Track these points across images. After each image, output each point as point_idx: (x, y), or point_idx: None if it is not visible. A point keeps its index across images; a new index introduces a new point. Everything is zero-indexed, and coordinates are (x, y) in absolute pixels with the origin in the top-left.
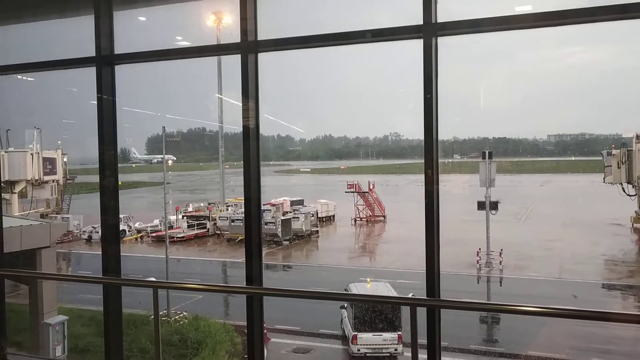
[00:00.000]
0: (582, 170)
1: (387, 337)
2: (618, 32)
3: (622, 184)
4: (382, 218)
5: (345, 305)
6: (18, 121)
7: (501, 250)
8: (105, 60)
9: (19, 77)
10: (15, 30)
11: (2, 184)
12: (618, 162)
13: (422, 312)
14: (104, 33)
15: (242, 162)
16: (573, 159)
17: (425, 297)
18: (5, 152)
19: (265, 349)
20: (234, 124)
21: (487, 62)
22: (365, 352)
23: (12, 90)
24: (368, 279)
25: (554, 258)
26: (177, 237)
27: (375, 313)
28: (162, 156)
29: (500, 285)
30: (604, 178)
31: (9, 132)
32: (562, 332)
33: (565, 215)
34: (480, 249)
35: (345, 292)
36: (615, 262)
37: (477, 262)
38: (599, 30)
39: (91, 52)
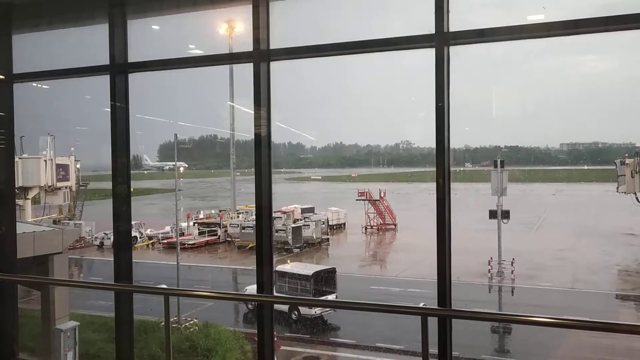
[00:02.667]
0: (595, 180)
1: (331, 298)
2: (632, 40)
3: (635, 194)
4: (393, 226)
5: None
6: (32, 128)
7: (513, 259)
8: (119, 69)
9: (34, 84)
10: (31, 39)
11: (16, 190)
12: (632, 172)
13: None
14: (118, 42)
15: (253, 169)
16: (586, 168)
17: (437, 307)
18: (20, 158)
19: (275, 357)
20: (246, 132)
21: (500, 70)
22: (321, 313)
23: (27, 98)
24: (288, 260)
25: (566, 268)
26: (188, 244)
27: (324, 282)
28: (173, 163)
29: (512, 295)
30: (617, 187)
31: (23, 139)
32: (576, 343)
33: (578, 225)
34: (491, 258)
35: (356, 301)
36: (629, 273)
37: (489, 271)
38: (612, 39)
39: (105, 60)
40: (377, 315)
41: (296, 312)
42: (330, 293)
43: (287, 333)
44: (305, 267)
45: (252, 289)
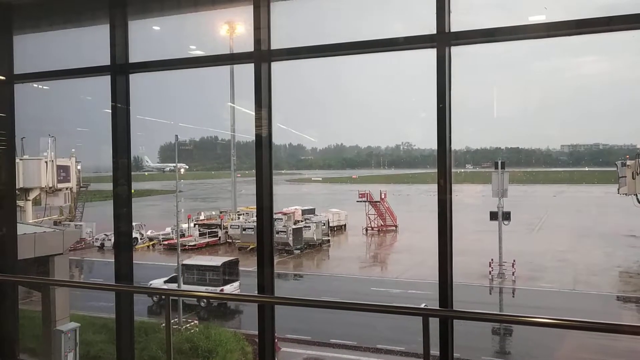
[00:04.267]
0: (596, 181)
1: (235, 285)
2: (633, 41)
3: (636, 195)
4: (394, 228)
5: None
6: (33, 129)
7: (514, 261)
8: (120, 69)
9: (34, 85)
10: (32, 39)
11: (16, 191)
12: (633, 173)
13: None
14: (119, 42)
15: (253, 170)
16: (587, 169)
17: (438, 308)
18: (20, 159)
19: (276, 359)
20: (246, 133)
21: (501, 71)
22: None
23: (28, 99)
24: (192, 255)
25: (567, 269)
26: (188, 246)
27: (230, 272)
28: (174, 164)
29: (513, 297)
30: (618, 189)
31: (24, 140)
32: (577, 344)
33: (579, 226)
34: (492, 259)
35: (357, 302)
36: (631, 274)
37: (490, 273)
38: (613, 40)
39: (106, 60)
40: (378, 316)
41: (204, 300)
42: (235, 281)
43: (196, 320)
44: (211, 259)
45: (156, 282)
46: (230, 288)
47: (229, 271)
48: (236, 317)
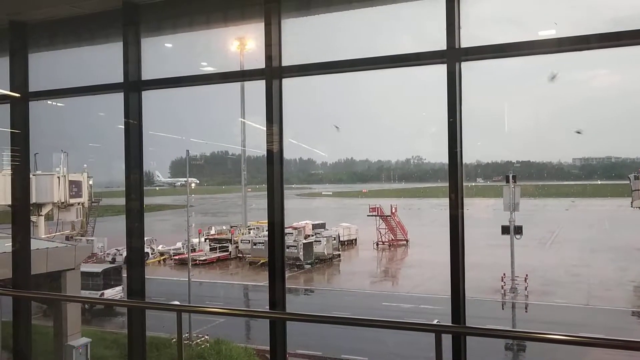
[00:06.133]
0: (609, 195)
1: (118, 289)
2: None
3: None
4: (405, 242)
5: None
6: (46, 145)
7: (526, 275)
8: (133, 86)
9: (49, 102)
10: (47, 57)
11: (30, 207)
12: None
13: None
14: (132, 59)
15: (264, 185)
16: (599, 182)
17: (451, 324)
18: (34, 175)
19: None
20: (257, 148)
21: (511, 84)
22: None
23: (42, 115)
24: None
25: (581, 284)
26: (199, 260)
27: (112, 277)
28: (185, 179)
29: (526, 312)
30: (631, 202)
31: (37, 156)
32: None
33: (592, 240)
34: (504, 274)
35: (369, 318)
36: None
37: (502, 288)
38: (624, 53)
39: (119, 78)
40: (390, 332)
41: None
42: (118, 285)
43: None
44: (94, 266)
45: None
46: (112, 292)
47: (112, 277)
48: (120, 319)
